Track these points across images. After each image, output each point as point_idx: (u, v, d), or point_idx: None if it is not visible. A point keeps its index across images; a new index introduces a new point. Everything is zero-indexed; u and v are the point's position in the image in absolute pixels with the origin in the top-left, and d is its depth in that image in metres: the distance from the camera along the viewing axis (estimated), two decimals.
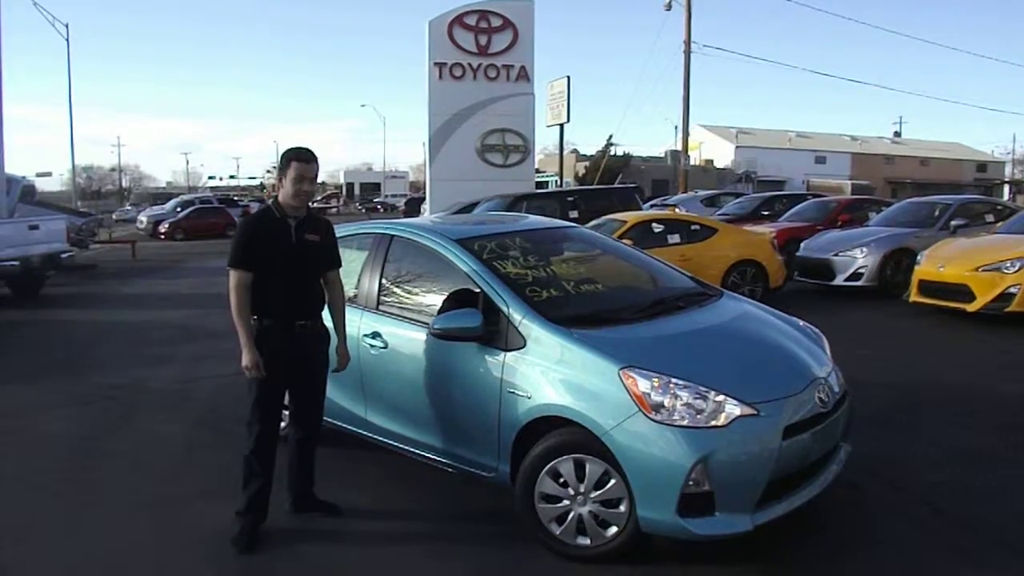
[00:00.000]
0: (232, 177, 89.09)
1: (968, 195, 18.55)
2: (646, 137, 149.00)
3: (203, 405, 6.75)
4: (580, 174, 47.47)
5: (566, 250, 5.04)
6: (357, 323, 4.61)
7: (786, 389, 3.72)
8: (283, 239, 3.94)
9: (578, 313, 4.05)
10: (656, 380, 3.49)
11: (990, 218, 12.36)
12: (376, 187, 79.12)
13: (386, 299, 4.68)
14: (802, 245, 12.49)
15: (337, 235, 4.35)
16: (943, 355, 7.87)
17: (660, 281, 4.96)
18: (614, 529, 3.61)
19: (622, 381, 3.51)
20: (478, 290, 4.13)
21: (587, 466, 3.61)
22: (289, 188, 3.91)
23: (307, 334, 4.03)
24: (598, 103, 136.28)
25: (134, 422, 6.30)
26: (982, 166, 66.45)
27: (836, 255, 11.64)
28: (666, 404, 3.45)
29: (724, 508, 3.43)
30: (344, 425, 4.93)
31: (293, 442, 4.22)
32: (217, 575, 3.77)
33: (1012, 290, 8.69)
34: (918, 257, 10.10)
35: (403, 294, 4.67)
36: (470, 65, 22.39)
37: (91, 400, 6.97)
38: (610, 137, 51.21)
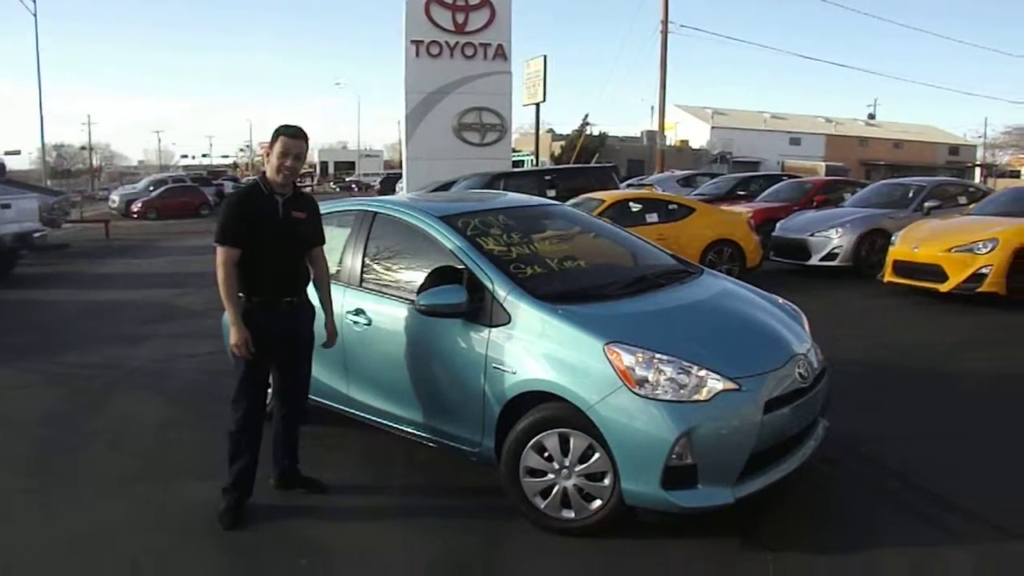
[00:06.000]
0: (205, 156, 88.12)
1: (942, 177, 18.74)
2: (622, 117, 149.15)
3: (181, 384, 6.70)
4: (556, 154, 47.39)
5: (548, 227, 5.06)
6: (340, 300, 4.59)
7: (767, 364, 3.78)
8: (270, 216, 3.91)
9: (562, 290, 4.07)
10: (640, 355, 3.53)
11: (963, 200, 12.51)
12: (351, 166, 78.47)
13: (369, 276, 4.67)
14: (778, 225, 12.58)
15: None
16: (916, 334, 7.99)
17: (641, 258, 4.99)
18: (598, 502, 3.66)
19: (607, 356, 3.55)
20: (462, 267, 4.14)
21: (571, 440, 3.65)
22: (275, 162, 3.89)
23: (293, 311, 4.02)
24: (574, 84, 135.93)
25: (112, 401, 6.25)
26: (954, 149, 67.15)
27: (812, 235, 11.75)
28: (650, 379, 3.49)
29: (706, 481, 3.49)
30: (326, 402, 4.93)
31: (278, 418, 4.22)
32: (201, 551, 3.77)
33: (984, 271, 8.82)
34: (892, 238, 10.20)
35: (386, 271, 4.66)
36: (447, 43, 22.17)
37: (67, 380, 6.90)
38: (586, 117, 51.32)
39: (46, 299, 11.86)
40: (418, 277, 4.34)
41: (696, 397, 3.49)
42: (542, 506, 3.76)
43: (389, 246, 4.75)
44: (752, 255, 11.03)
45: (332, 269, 4.63)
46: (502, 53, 22.59)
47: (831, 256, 11.50)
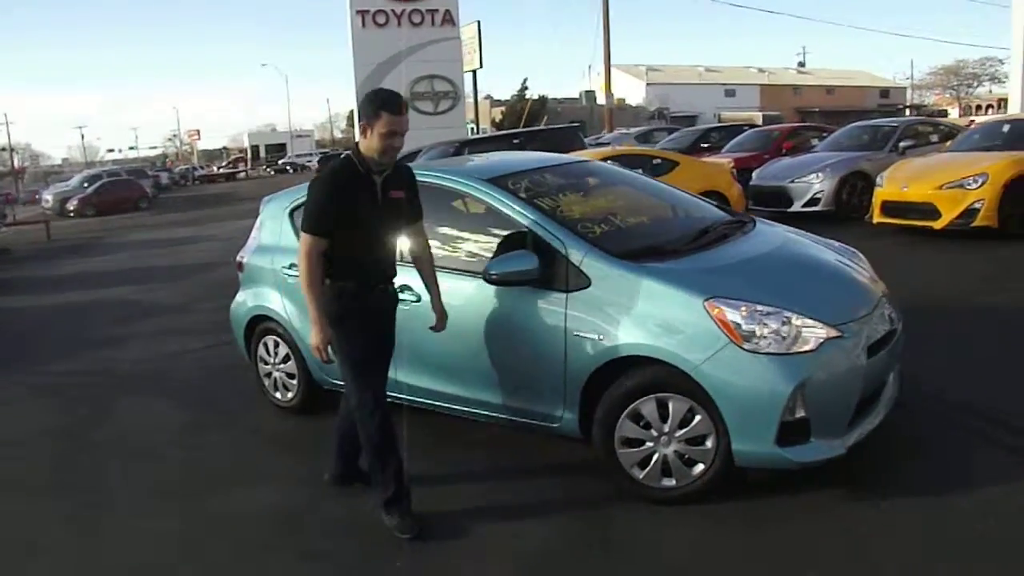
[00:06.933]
0: (132, 149, 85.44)
1: (912, 117, 18.97)
2: (558, 79, 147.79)
3: (181, 384, 6.29)
4: (497, 120, 46.91)
5: (591, 184, 4.76)
6: None
7: (860, 309, 3.63)
8: (368, 198, 3.44)
9: (637, 246, 3.79)
10: (744, 309, 3.32)
11: (935, 138, 12.59)
12: (281, 148, 76.23)
13: None
14: (754, 174, 12.50)
15: None
16: (923, 272, 7.96)
17: (692, 210, 4.74)
18: (701, 467, 3.47)
19: (708, 313, 3.33)
20: (522, 231, 3.84)
21: (670, 404, 3.43)
22: (377, 144, 3.35)
23: (384, 296, 3.64)
24: (505, 47, 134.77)
25: (115, 408, 5.83)
26: (885, 92, 68.58)
27: (792, 182, 11.67)
28: (756, 332, 3.29)
29: (819, 433, 3.33)
30: None
31: (345, 413, 3.81)
32: (283, 562, 3.48)
33: (976, 205, 8.83)
34: (878, 179, 10.16)
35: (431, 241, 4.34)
36: (393, 11, 21.61)
37: (59, 390, 6.43)
38: (524, 81, 50.84)
39: (5, 306, 11.16)
40: (466, 245, 4.08)
41: (802, 348, 3.30)
42: (641, 476, 3.55)
43: (428, 215, 4.41)
44: (737, 204, 10.85)
45: None
46: (449, 19, 22.13)
47: (813, 201, 11.44)
